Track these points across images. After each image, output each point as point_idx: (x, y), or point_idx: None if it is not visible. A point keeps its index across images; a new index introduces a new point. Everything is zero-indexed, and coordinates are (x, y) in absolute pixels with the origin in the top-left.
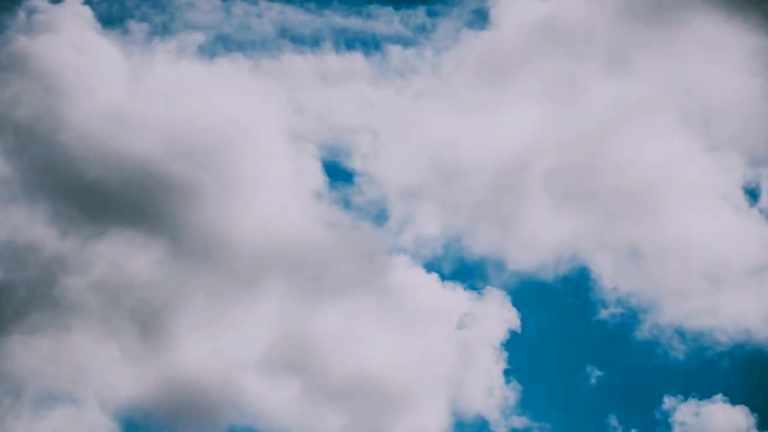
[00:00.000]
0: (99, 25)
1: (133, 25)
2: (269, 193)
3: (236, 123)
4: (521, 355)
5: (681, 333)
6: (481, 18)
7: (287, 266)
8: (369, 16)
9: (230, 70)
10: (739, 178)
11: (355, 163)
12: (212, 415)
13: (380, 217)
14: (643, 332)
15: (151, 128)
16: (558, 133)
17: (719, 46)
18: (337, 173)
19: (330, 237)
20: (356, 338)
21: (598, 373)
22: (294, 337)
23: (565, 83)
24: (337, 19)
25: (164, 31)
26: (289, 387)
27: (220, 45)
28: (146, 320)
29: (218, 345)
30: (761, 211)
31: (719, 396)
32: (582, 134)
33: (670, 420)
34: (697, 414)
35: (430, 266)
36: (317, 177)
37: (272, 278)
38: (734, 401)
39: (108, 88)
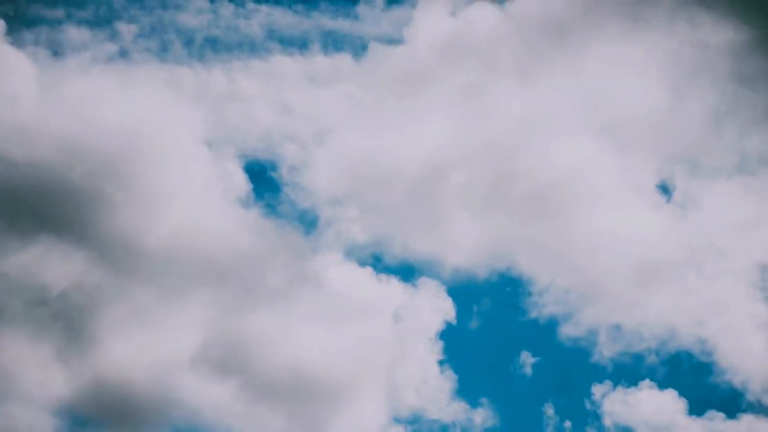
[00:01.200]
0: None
1: (50, 35)
2: (191, 199)
3: (151, 131)
4: (456, 345)
5: (607, 328)
6: (395, 32)
7: (214, 270)
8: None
9: (146, 78)
10: (652, 177)
11: (283, 171)
12: (146, 416)
13: (309, 220)
14: (570, 327)
15: (60, 137)
16: (473, 141)
17: (624, 59)
18: (264, 180)
19: (257, 241)
20: (291, 336)
21: (532, 362)
22: (227, 338)
23: (479, 94)
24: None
25: (76, 41)
26: (226, 387)
27: (135, 52)
28: (73, 324)
29: (149, 347)
30: (675, 205)
31: (646, 381)
32: (497, 142)
33: (599, 411)
34: (625, 401)
35: (363, 262)
36: (241, 184)
37: (199, 282)
38: (662, 386)
39: (17, 98)
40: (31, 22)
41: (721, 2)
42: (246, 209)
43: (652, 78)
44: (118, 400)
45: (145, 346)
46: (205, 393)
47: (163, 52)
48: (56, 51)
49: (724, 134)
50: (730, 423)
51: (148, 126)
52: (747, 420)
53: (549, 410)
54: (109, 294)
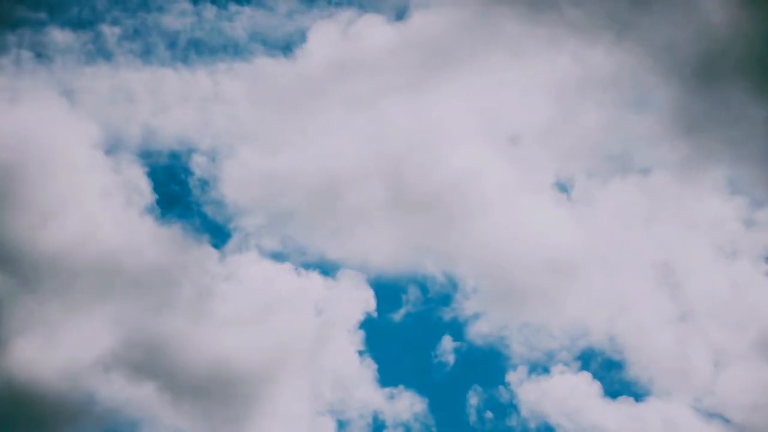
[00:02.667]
0: None
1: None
2: (91, 207)
3: (45, 140)
4: (377, 336)
5: (519, 325)
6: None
7: (125, 274)
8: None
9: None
10: (550, 178)
11: (191, 180)
12: (61, 419)
13: (218, 226)
14: (483, 324)
15: None
16: (373, 150)
17: (515, 76)
18: (172, 188)
19: (168, 246)
20: (210, 336)
21: (450, 355)
22: (144, 341)
23: (382, 106)
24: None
25: None
26: (145, 389)
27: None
28: None
29: (60, 352)
30: (575, 204)
31: (559, 366)
32: (395, 151)
33: (516, 401)
34: (540, 390)
35: (280, 259)
36: (147, 192)
37: (108, 287)
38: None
39: None
40: (14, 25)
41: (603, 32)
42: (152, 216)
43: (541, 95)
44: (30, 404)
45: (57, 351)
46: (124, 396)
47: (146, 54)
48: (40, 53)
49: (612, 141)
50: (640, 405)
51: (41, 134)
52: (653, 402)
53: (470, 399)
54: (11, 301)
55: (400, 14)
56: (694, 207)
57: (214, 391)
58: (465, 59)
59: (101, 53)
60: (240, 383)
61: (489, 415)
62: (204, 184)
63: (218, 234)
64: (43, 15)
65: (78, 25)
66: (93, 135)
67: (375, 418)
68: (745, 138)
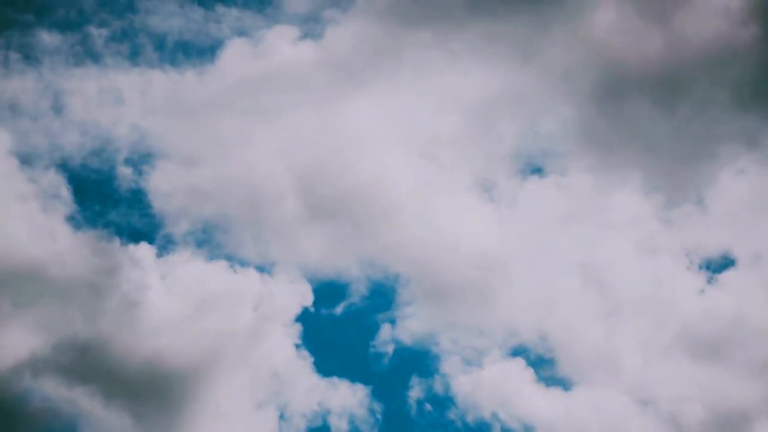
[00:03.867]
0: None
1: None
2: (13, 215)
3: None
4: (315, 329)
5: (448, 324)
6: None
7: (52, 279)
8: None
9: None
10: (470, 180)
11: (116, 185)
12: None
13: (147, 229)
14: (414, 323)
15: None
16: (300, 160)
17: (430, 87)
18: (95, 193)
19: (92, 251)
20: (143, 336)
21: (385, 352)
22: (75, 344)
23: (298, 116)
24: None
25: None
26: (78, 391)
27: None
28: None
29: None
30: (497, 204)
31: (492, 359)
32: (322, 159)
33: (451, 393)
34: (474, 379)
35: (214, 256)
36: (68, 198)
37: (33, 292)
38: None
39: None
40: (2, 26)
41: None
42: (74, 223)
43: (452, 107)
44: None
45: None
46: (57, 399)
47: (134, 56)
48: (28, 55)
49: (525, 147)
50: (570, 395)
51: None
52: (582, 392)
53: (409, 392)
54: None
55: (315, 30)
56: (611, 207)
57: (149, 391)
58: (377, 74)
59: (89, 55)
60: (177, 382)
61: (428, 407)
62: (128, 190)
63: (146, 238)
64: (30, 17)
65: (66, 26)
66: (7, 143)
67: (316, 409)
68: (652, 145)
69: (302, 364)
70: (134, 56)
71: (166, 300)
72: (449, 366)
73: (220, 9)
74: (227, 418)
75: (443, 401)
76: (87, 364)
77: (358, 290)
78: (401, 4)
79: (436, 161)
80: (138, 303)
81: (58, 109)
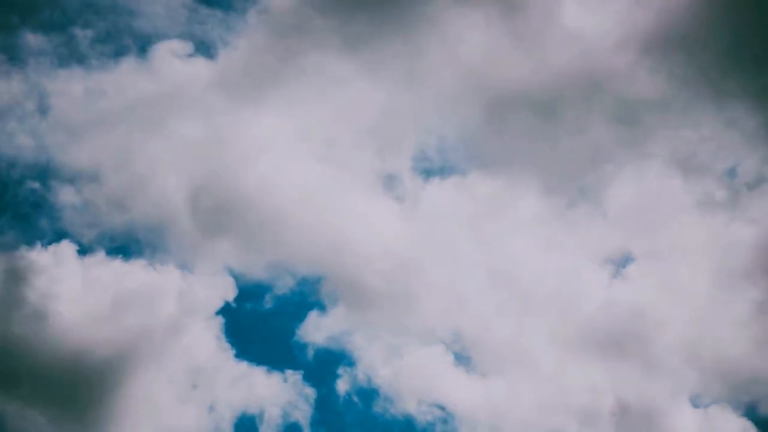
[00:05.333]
0: None
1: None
2: None
3: None
4: (236, 321)
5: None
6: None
7: None
8: None
9: None
10: (375, 175)
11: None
12: None
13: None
14: (331, 321)
15: None
16: (202, 166)
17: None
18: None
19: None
20: (58, 338)
21: (305, 347)
22: None
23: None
24: None
25: None
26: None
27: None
28: None
29: None
30: (398, 198)
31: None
32: (224, 166)
33: (373, 386)
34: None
35: (131, 255)
36: None
37: None
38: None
39: None
40: None
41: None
42: None
43: (349, 114)
44: None
45: None
46: None
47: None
48: (13, 56)
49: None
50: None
51: None
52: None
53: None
54: None
55: (209, 46)
56: (513, 209)
57: (70, 390)
58: (273, 89)
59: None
60: (99, 379)
61: (355, 399)
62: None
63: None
64: (15, 18)
65: (50, 28)
66: None
67: (240, 399)
68: (544, 154)
69: (225, 356)
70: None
71: (85, 299)
72: (367, 361)
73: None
74: (155, 413)
75: (368, 393)
76: (2, 365)
77: (275, 291)
78: (291, 25)
79: (338, 165)
80: (54, 304)
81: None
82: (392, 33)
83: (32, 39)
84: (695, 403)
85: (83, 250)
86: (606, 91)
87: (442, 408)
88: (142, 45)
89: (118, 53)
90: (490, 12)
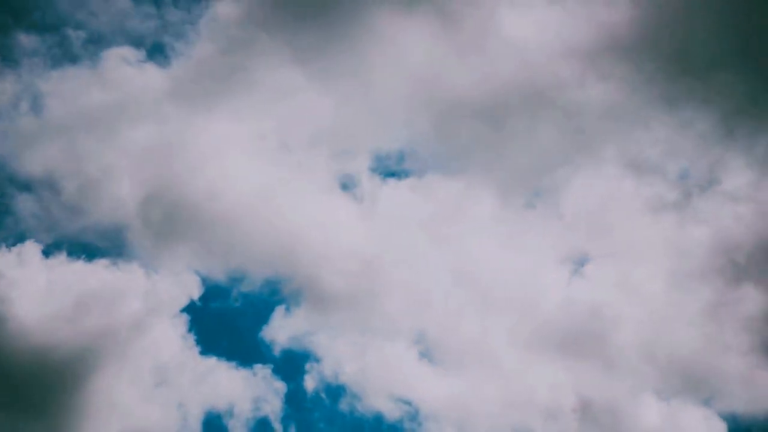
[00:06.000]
0: None
1: None
2: None
3: None
4: (201, 319)
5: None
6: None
7: None
8: None
9: None
10: (332, 177)
11: None
12: None
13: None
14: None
15: None
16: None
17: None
18: None
19: None
20: (27, 333)
21: (272, 342)
22: None
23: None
24: None
25: None
26: None
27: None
28: None
29: None
30: (357, 199)
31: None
32: (180, 170)
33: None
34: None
35: (93, 256)
36: None
37: None
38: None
39: None
40: None
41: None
42: None
43: (305, 124)
44: None
45: None
46: None
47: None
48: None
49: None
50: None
51: None
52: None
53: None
54: None
55: (161, 53)
56: (472, 210)
57: (35, 390)
58: (229, 94)
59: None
60: (65, 379)
61: (323, 395)
62: None
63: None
64: (9, 19)
65: (43, 28)
66: None
67: (205, 395)
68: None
69: (191, 353)
70: None
71: (49, 299)
72: (333, 359)
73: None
74: (122, 412)
75: (335, 390)
76: None
77: (239, 291)
78: (241, 36)
79: (294, 168)
80: (17, 305)
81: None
82: (339, 46)
83: (25, 40)
84: (656, 397)
85: (47, 251)
86: (555, 98)
87: (408, 404)
88: (94, 51)
89: (69, 59)
90: (436, 24)
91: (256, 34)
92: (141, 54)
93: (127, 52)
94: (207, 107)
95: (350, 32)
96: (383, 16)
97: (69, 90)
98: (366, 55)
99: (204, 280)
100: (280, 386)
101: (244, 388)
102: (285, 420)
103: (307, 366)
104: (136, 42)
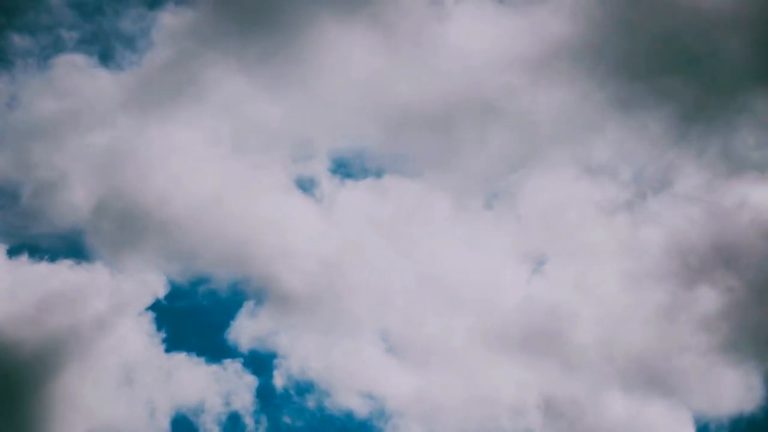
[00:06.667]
0: None
1: None
2: None
3: None
4: (167, 317)
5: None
6: None
7: None
8: None
9: None
10: (289, 176)
11: None
12: None
13: None
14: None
15: None
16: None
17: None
18: None
19: None
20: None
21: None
22: None
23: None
24: None
25: None
26: None
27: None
28: None
29: None
30: (317, 199)
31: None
32: (143, 176)
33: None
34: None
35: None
36: None
37: None
38: None
39: None
40: None
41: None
42: None
43: (263, 118)
44: None
45: None
46: None
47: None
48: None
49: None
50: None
51: None
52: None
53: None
54: None
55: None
56: (430, 208)
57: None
58: (180, 101)
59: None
60: (28, 381)
61: (291, 392)
62: None
63: None
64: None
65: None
66: None
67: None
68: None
69: (158, 351)
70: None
71: (13, 300)
72: (299, 358)
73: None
74: (89, 411)
75: (302, 388)
76: None
77: (203, 290)
78: (191, 46)
79: (250, 171)
80: None
81: None
82: (287, 55)
83: (18, 40)
84: (619, 392)
85: (11, 252)
86: (506, 105)
87: (374, 399)
88: (45, 57)
89: (21, 65)
90: (380, 34)
91: (205, 44)
92: (92, 61)
93: (78, 59)
94: (159, 114)
95: (297, 41)
96: (330, 26)
97: (21, 96)
98: (313, 64)
99: (169, 281)
100: (251, 381)
101: (212, 384)
102: (256, 414)
103: (275, 363)
104: (88, 50)
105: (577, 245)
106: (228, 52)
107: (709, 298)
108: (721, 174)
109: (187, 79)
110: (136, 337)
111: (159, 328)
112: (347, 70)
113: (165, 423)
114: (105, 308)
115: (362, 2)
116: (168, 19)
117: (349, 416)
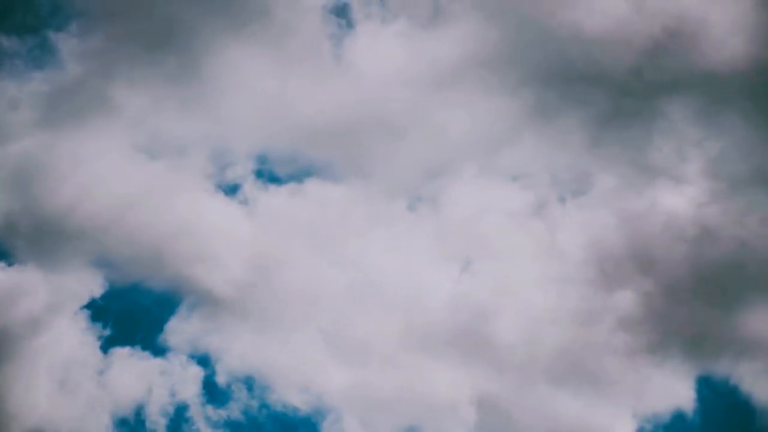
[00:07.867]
0: None
1: None
2: None
3: None
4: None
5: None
6: None
7: None
8: None
9: None
10: (208, 179)
11: None
12: None
13: None
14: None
15: None
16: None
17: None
18: None
19: None
20: None
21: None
22: None
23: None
24: None
25: None
26: None
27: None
28: None
29: None
30: (241, 203)
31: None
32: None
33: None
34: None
35: None
36: None
37: None
38: None
39: None
40: None
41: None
42: None
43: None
44: None
45: None
46: None
47: None
48: None
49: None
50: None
51: None
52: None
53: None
54: None
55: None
56: (353, 211)
57: None
58: (89, 114)
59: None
60: None
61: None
62: None
63: None
64: None
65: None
66: None
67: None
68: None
69: (94, 349)
70: None
71: None
72: (235, 357)
73: None
74: (26, 412)
75: (244, 384)
76: None
77: (137, 292)
78: (100, 61)
79: (169, 175)
80: None
81: None
82: (191, 76)
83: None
84: (546, 390)
85: None
86: (415, 118)
87: (310, 394)
88: None
89: None
90: (285, 54)
91: (111, 65)
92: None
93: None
94: (70, 128)
95: (200, 63)
96: (233, 47)
97: None
98: (219, 83)
99: (104, 281)
100: (193, 374)
101: (156, 378)
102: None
103: (212, 362)
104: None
105: (499, 249)
106: (134, 73)
107: (626, 300)
108: (635, 179)
109: (96, 96)
110: (72, 337)
111: (96, 326)
112: (253, 88)
113: (107, 421)
114: (38, 309)
115: (265, 24)
116: (76, 39)
117: (288, 411)
